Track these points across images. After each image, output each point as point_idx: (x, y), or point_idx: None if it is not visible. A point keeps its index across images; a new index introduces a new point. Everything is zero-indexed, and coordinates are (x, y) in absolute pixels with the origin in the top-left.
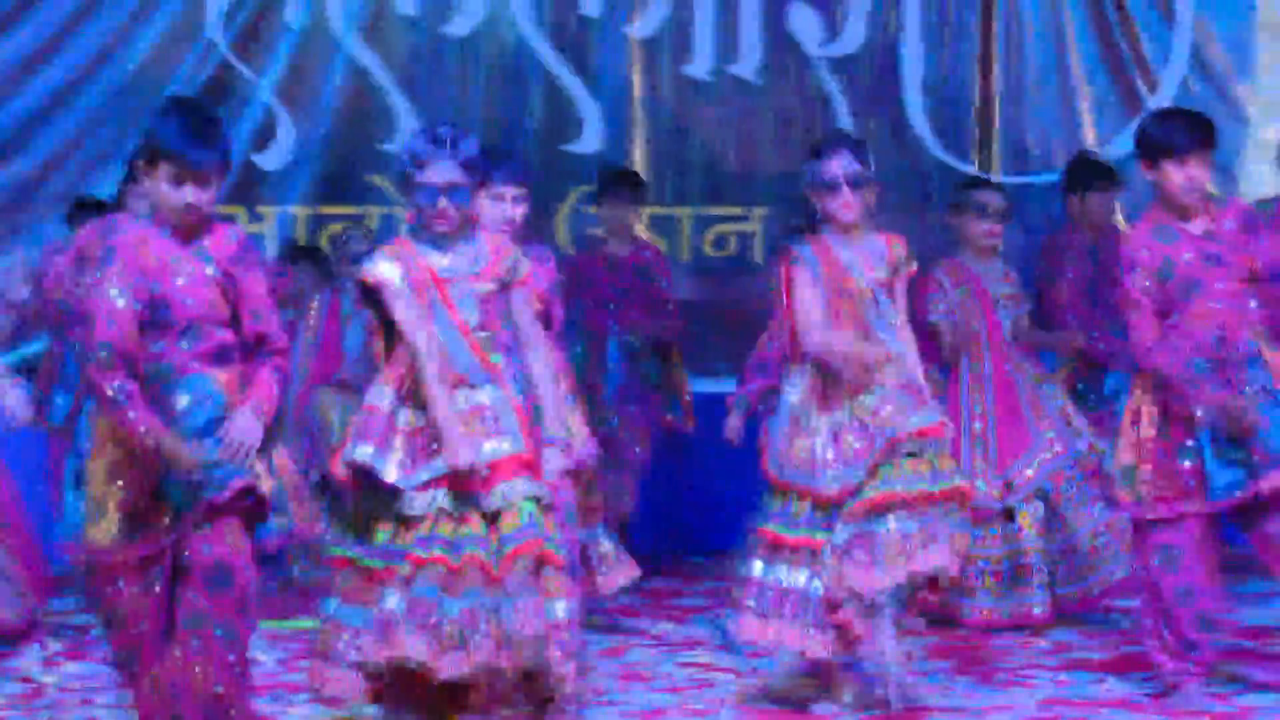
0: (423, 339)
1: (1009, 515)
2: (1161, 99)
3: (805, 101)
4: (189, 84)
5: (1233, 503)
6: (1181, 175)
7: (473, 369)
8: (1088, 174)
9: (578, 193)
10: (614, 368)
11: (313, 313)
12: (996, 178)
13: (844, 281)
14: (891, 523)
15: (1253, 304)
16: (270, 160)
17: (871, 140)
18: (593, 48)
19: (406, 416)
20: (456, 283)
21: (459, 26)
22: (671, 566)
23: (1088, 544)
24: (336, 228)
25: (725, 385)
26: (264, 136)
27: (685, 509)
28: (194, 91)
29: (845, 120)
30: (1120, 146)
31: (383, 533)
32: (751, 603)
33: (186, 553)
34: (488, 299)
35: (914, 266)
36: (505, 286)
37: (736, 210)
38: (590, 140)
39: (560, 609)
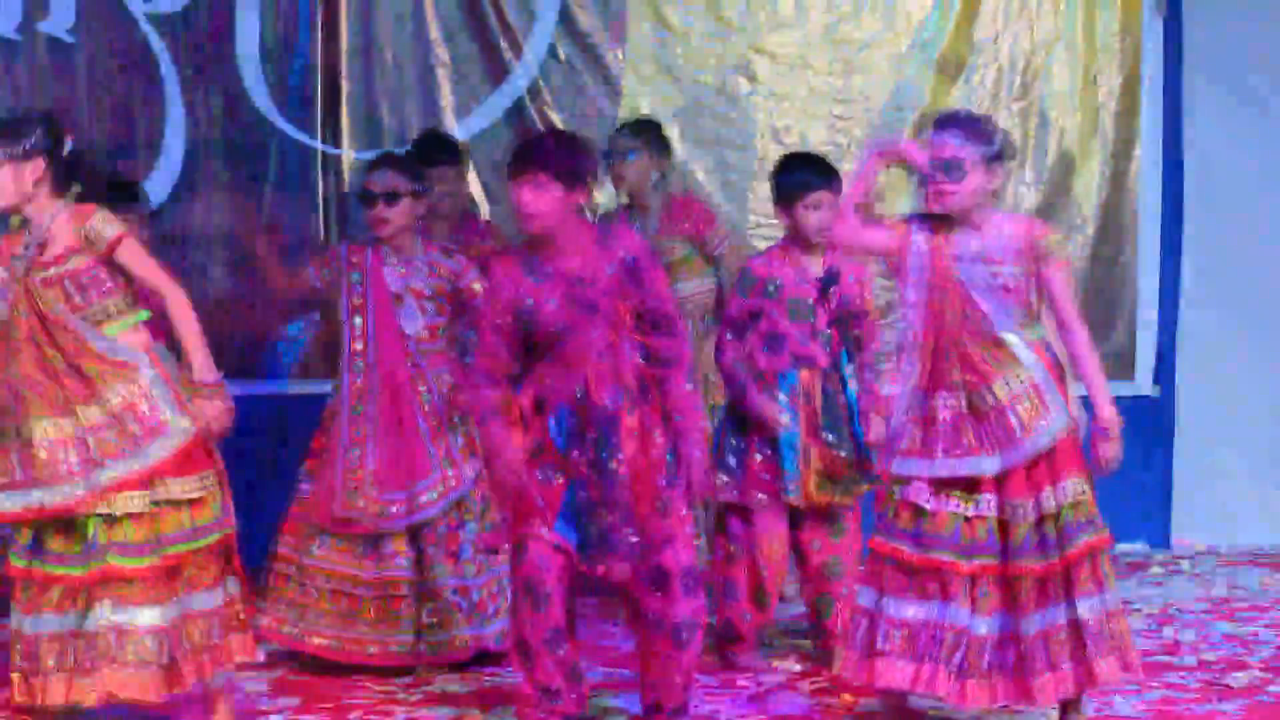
0: None
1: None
2: (528, 65)
3: (127, 64)
4: None
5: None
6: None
7: None
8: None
9: None
10: None
11: None
12: (345, 152)
13: None
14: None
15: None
16: None
17: (203, 110)
18: None
19: None
20: None
21: None
22: None
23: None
24: None
25: None
26: None
27: None
28: None
29: (173, 86)
30: (482, 118)
31: None
32: None
33: None
34: None
35: None
36: None
37: None
38: None
39: None
